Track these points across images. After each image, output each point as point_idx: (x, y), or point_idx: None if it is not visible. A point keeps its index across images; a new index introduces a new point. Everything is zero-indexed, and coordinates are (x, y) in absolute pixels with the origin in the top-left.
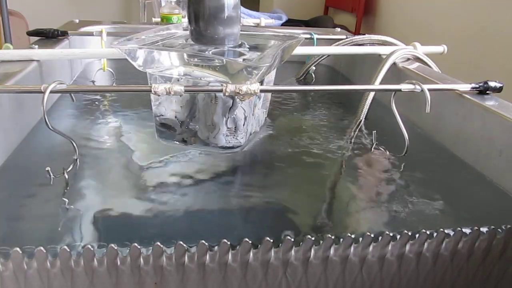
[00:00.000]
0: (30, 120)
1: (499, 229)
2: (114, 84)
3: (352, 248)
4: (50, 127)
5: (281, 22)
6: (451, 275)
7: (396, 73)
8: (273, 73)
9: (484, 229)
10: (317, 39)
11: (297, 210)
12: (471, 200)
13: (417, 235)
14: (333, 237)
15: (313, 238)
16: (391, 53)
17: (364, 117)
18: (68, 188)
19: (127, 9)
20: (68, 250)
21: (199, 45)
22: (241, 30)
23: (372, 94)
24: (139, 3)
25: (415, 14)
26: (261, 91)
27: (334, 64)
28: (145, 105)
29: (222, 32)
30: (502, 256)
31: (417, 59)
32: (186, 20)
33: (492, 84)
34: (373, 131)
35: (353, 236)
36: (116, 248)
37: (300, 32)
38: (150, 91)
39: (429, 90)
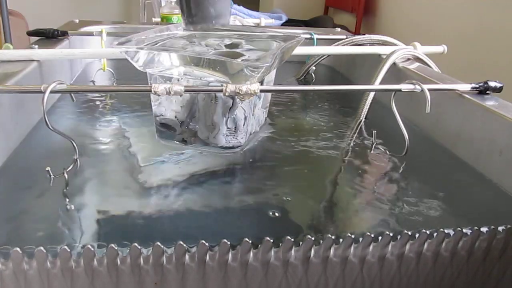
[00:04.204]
0: (30, 120)
1: (499, 229)
2: (114, 84)
3: (352, 248)
4: (50, 127)
5: (281, 22)
6: (451, 275)
7: (396, 73)
8: (273, 73)
9: (484, 229)
10: (317, 39)
11: (297, 210)
12: (471, 200)
13: (417, 235)
14: (333, 237)
15: (313, 238)
16: (391, 53)
17: (364, 117)
18: (68, 188)
19: (127, 9)
20: (68, 250)
21: (189, 25)
22: (241, 30)
23: (372, 94)
24: (139, 3)
25: (415, 14)
26: (261, 91)
27: (334, 64)
28: (145, 105)
29: (212, 11)
30: (502, 256)
31: (417, 59)
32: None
33: (492, 84)
34: (373, 131)
35: (353, 236)
36: (116, 248)
37: (300, 32)
38: (150, 91)
39: (429, 90)
